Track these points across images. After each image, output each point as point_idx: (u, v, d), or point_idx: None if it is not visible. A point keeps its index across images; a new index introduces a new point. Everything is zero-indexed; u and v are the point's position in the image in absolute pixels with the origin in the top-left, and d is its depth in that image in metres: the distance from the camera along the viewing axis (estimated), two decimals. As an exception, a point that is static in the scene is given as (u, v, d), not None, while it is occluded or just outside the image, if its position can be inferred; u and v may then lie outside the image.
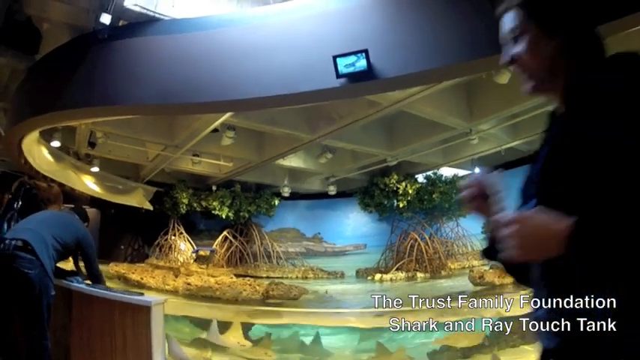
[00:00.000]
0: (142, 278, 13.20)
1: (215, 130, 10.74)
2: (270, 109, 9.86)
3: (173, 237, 17.11)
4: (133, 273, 13.60)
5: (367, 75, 4.84)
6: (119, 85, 6.38)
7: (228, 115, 9.06)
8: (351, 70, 4.86)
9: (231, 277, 14.01)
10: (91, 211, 15.72)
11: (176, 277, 13.45)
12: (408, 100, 8.88)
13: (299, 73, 5.20)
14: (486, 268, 11.56)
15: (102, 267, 12.95)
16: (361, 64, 4.82)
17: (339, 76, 4.91)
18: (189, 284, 12.44)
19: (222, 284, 12.22)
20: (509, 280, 10.65)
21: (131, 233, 17.54)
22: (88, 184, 13.53)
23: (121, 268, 14.10)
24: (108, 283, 6.11)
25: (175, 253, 16.86)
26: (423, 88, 8.33)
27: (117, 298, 4.70)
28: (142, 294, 4.77)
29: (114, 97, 6.41)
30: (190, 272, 14.72)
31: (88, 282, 5.11)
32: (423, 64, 4.81)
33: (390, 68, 4.87)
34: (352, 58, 4.83)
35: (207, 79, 5.62)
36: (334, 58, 4.91)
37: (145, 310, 4.50)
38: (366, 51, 4.85)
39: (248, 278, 13.40)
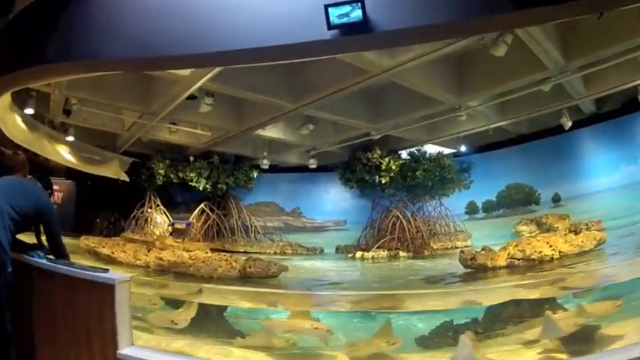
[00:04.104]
0: (112, 252, 12.64)
1: (193, 98, 10.30)
2: (251, 73, 9.50)
3: (149, 210, 16.73)
4: (104, 247, 13.00)
5: (362, 27, 4.33)
6: (97, 38, 5.81)
7: (205, 79, 8.64)
8: (344, 20, 4.34)
9: (207, 252, 13.59)
10: (67, 183, 15.47)
11: (149, 251, 12.96)
12: (398, 68, 8.54)
13: (286, 23, 4.68)
14: (477, 249, 11.23)
15: (72, 241, 12.63)
16: (356, 14, 4.31)
17: (330, 27, 4.39)
18: (161, 259, 11.96)
19: (197, 260, 11.76)
20: (502, 262, 10.32)
21: (107, 206, 17.07)
22: (63, 154, 13.07)
23: (91, 241, 13.48)
24: (77, 259, 5.65)
25: (151, 227, 16.50)
26: (416, 56, 8.06)
27: (79, 274, 4.24)
28: (106, 270, 4.30)
29: (92, 51, 5.87)
30: (165, 246, 14.29)
31: (51, 257, 4.62)
32: (420, 19, 4.36)
33: (386, 21, 4.38)
34: (346, 8, 4.31)
35: (187, 31, 5.12)
36: (326, 7, 4.40)
37: (108, 288, 4.06)
38: (362, 0, 4.36)
39: (224, 253, 13.01)
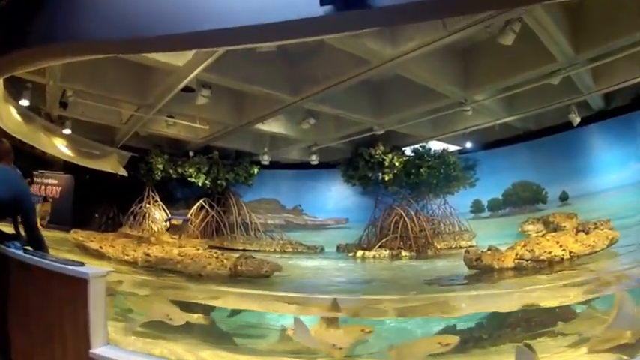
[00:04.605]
0: (101, 247, 12.44)
1: (191, 90, 10.02)
2: (249, 64, 9.28)
3: (147, 205, 16.48)
4: (92, 241, 12.82)
5: (359, 1, 3.96)
6: (83, 19, 5.59)
7: (201, 68, 8.37)
8: (339, -6, 3.99)
9: (197, 249, 13.28)
10: (65, 177, 15.43)
11: (138, 246, 12.69)
12: (401, 59, 8.22)
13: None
14: (482, 249, 10.83)
15: (61, 235, 12.35)
16: (352, -14, 3.95)
17: (323, 2, 4.03)
18: (148, 255, 11.64)
19: (186, 256, 11.44)
20: (509, 263, 9.93)
21: (106, 201, 16.86)
22: (61, 147, 12.88)
23: (79, 235, 13.33)
24: (65, 253, 5.41)
25: (149, 222, 16.22)
26: (420, 45, 7.75)
27: (54, 267, 4.00)
28: (82, 263, 4.03)
29: (76, 33, 5.63)
30: (160, 242, 14.04)
31: (28, 248, 4.43)
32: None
33: (385, -6, 4.03)
34: (341, -20, 3.96)
35: (174, 10, 4.82)
36: (318, -21, 4.02)
37: (82, 282, 3.78)
38: (358, -30, 3.97)
39: (215, 250, 12.71)
